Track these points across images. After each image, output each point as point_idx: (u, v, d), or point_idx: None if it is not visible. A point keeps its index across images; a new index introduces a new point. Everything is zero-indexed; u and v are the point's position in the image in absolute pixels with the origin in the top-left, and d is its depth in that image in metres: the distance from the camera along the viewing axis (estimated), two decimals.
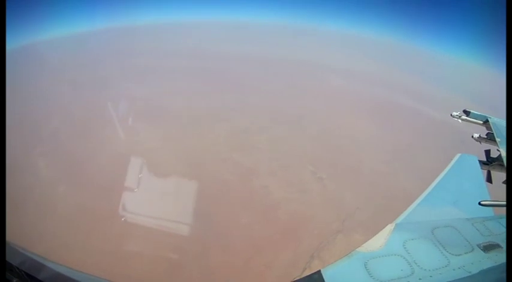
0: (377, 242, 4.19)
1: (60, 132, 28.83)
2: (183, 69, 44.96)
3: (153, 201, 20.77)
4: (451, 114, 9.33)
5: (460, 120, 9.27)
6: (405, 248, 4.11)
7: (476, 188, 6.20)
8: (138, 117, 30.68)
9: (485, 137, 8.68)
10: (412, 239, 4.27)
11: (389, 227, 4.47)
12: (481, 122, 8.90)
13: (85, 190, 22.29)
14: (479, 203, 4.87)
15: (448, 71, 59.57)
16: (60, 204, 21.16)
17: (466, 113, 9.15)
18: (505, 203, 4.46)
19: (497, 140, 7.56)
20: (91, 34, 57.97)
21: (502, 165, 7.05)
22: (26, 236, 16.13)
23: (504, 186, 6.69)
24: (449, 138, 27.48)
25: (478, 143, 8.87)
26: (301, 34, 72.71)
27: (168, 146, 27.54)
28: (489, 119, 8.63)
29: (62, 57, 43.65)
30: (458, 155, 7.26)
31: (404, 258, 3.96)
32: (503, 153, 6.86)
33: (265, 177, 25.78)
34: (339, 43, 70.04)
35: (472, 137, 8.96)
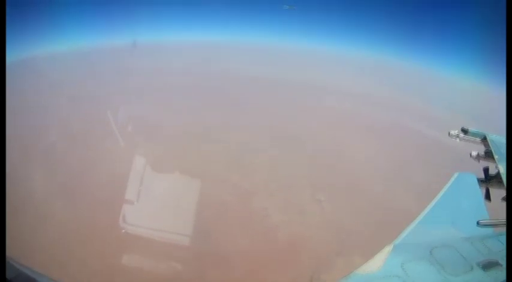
0: (375, 264, 4.11)
1: (57, 147, 28.90)
2: (182, 88, 45.39)
3: (150, 220, 20.38)
4: (449, 133, 9.25)
5: (458, 139, 9.19)
6: (403, 269, 4.02)
7: (475, 206, 6.11)
8: (137, 135, 30.72)
9: (483, 154, 8.59)
10: (411, 260, 4.18)
11: (388, 249, 4.38)
12: (480, 140, 8.83)
13: (82, 206, 22.37)
14: (477, 223, 4.79)
15: (446, 89, 60.27)
16: (57, 218, 21.24)
17: (464, 131, 9.06)
18: (502, 221, 4.47)
19: (496, 157, 7.53)
20: (91, 50, 58.81)
21: (501, 182, 6.98)
22: (21, 250, 15.94)
23: (503, 203, 6.70)
24: (448, 156, 27.44)
25: (477, 161, 8.77)
26: (301, 54, 73.89)
27: (165, 166, 27.36)
28: (487, 136, 8.58)
29: (61, 72, 44.20)
30: (456, 174, 7.04)
31: (402, 279, 3.87)
32: (502, 170, 6.86)
33: (264, 199, 25.59)
34: (336, 63, 71.10)
35: (470, 155, 8.86)
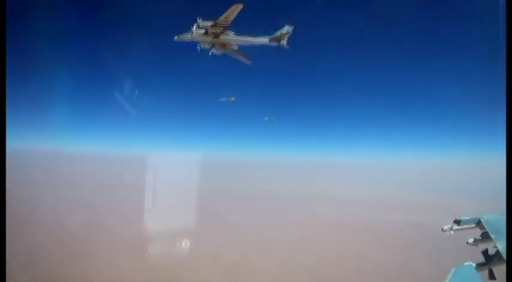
0: None
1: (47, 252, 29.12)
2: (172, 204, 45.01)
3: None
4: (442, 229, 9.20)
5: (452, 232, 9.08)
6: None
7: None
8: (129, 251, 29.48)
9: (480, 237, 8.63)
10: None
11: None
12: (474, 225, 8.87)
13: None
14: None
15: (435, 175, 61.13)
16: None
17: (457, 222, 9.09)
18: None
19: (492, 236, 7.58)
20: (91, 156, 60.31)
21: (502, 259, 6.92)
22: None
23: None
24: (446, 245, 26.23)
25: (475, 246, 8.44)
26: (285, 165, 75.98)
27: None
28: (481, 220, 8.65)
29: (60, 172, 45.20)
30: (454, 268, 7.14)
31: None
32: (500, 248, 6.91)
33: None
34: (321, 170, 72.86)
35: (467, 243, 8.85)
